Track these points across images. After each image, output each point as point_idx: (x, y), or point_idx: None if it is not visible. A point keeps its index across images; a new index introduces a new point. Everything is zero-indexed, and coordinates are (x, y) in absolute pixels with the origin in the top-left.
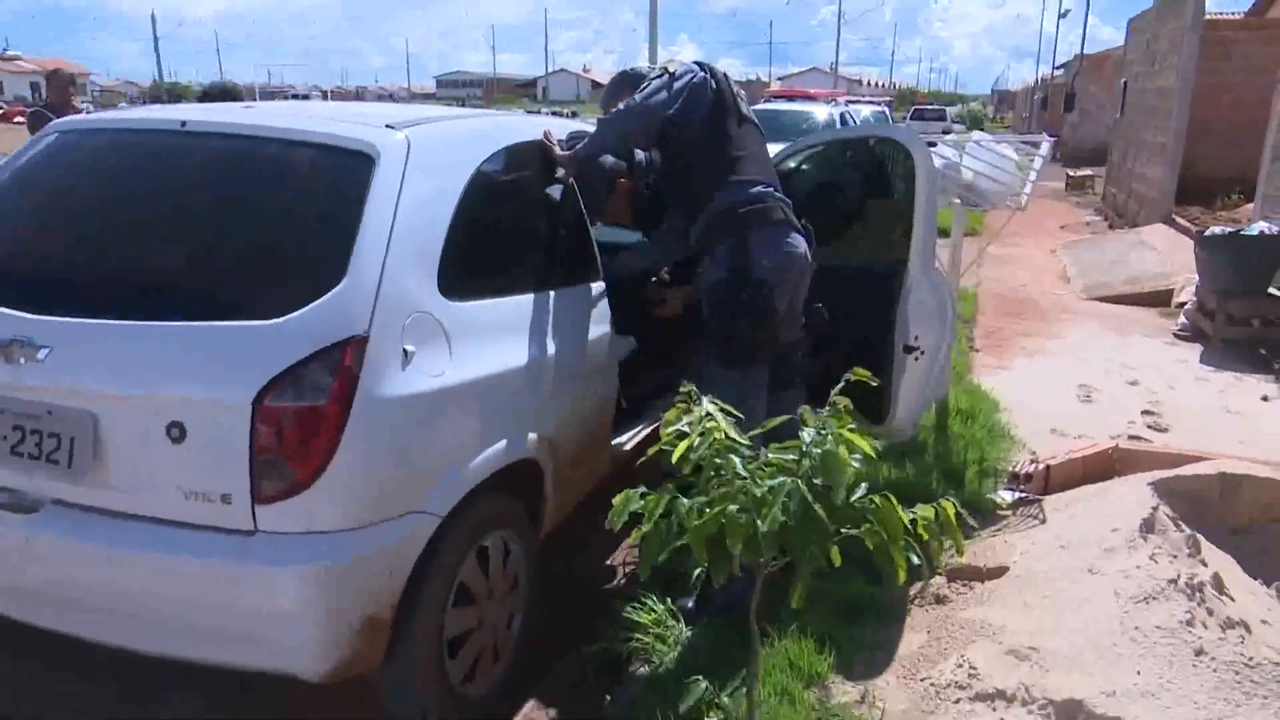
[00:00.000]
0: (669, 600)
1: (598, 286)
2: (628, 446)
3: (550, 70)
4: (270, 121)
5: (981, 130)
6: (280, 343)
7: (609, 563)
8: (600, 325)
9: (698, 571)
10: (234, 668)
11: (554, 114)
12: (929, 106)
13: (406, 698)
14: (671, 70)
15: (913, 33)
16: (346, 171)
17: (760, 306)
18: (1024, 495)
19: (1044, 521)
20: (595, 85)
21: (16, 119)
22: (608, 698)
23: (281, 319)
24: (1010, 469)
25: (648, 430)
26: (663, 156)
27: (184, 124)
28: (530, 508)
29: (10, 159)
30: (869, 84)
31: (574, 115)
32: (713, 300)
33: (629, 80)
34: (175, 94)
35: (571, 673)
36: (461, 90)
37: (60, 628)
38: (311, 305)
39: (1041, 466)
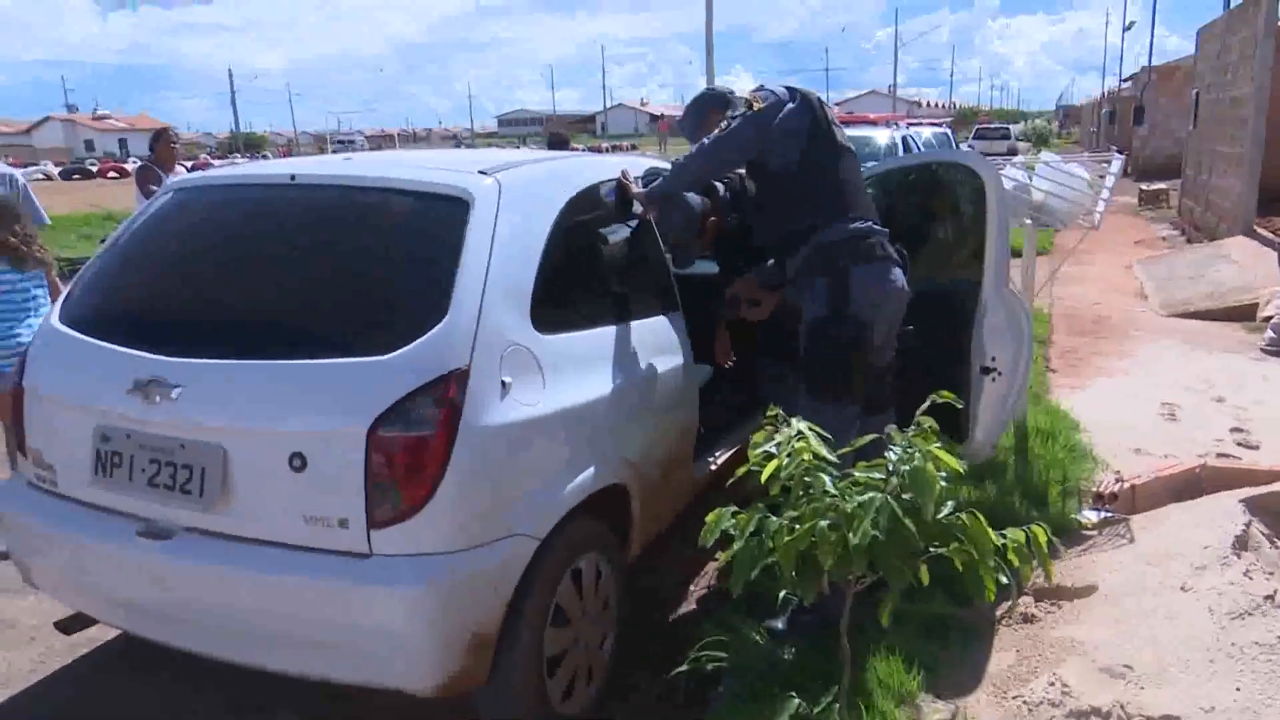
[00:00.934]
0: (756, 620)
1: (676, 317)
2: (707, 471)
3: (608, 105)
4: (372, 171)
5: (1047, 146)
6: (390, 377)
7: (691, 586)
8: (680, 354)
9: (784, 592)
10: (351, 683)
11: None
12: (992, 126)
13: (507, 715)
14: (760, 102)
15: (970, 52)
16: (444, 216)
17: (859, 344)
18: (1109, 515)
19: (1131, 540)
20: (653, 118)
21: (110, 174)
22: (698, 717)
23: (390, 355)
24: (1094, 489)
25: (726, 455)
26: (757, 187)
27: (293, 177)
28: (619, 531)
29: (134, 216)
30: (928, 105)
31: (633, 148)
32: (811, 337)
33: (713, 101)
34: (252, 144)
35: (661, 692)
36: (522, 128)
37: (189, 646)
38: (417, 341)
39: (1126, 486)
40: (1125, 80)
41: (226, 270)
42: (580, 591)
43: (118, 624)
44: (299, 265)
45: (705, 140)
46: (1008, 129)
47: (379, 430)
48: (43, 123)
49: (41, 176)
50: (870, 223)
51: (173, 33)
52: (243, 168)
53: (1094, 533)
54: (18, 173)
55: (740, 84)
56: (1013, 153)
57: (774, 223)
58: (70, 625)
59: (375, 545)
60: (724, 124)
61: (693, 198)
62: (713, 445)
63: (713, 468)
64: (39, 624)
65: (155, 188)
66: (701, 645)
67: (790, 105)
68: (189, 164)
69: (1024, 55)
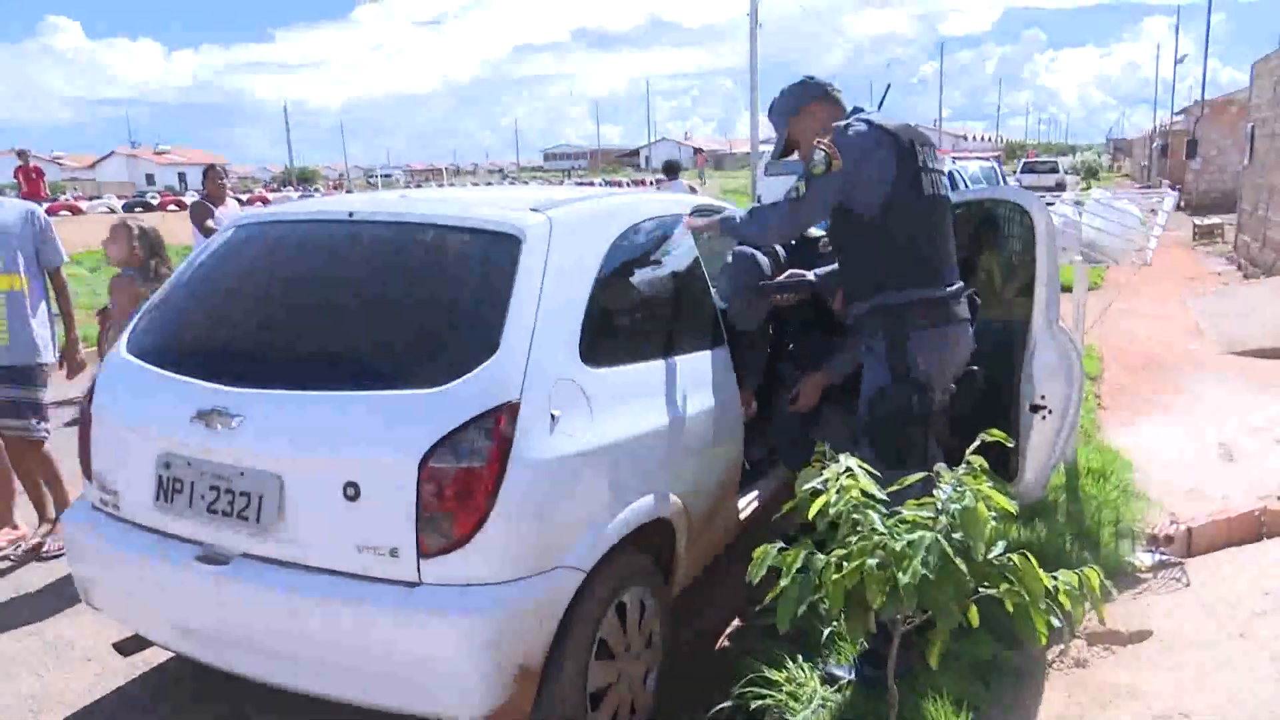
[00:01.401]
0: (802, 656)
1: (721, 352)
2: (749, 508)
3: (652, 139)
4: (427, 209)
5: (1096, 180)
6: (442, 409)
7: (735, 622)
8: (726, 389)
9: (827, 631)
10: (396, 711)
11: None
12: (1040, 159)
13: None
14: (837, 156)
15: (1018, 85)
16: (497, 252)
17: (924, 413)
18: (1164, 557)
19: (1187, 584)
20: (696, 151)
21: (170, 206)
22: None
23: (443, 388)
24: (1148, 531)
25: (767, 493)
26: (834, 223)
27: (351, 214)
28: (663, 566)
29: (198, 251)
30: (974, 138)
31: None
32: (875, 407)
33: (813, 90)
34: (304, 177)
35: None
36: (567, 162)
37: (241, 670)
38: (469, 375)
39: (1182, 528)
40: (1177, 114)
41: (286, 304)
42: (624, 626)
43: (174, 647)
44: (356, 300)
45: (784, 202)
46: (1056, 163)
47: (431, 461)
48: (107, 158)
49: (106, 210)
50: (945, 281)
51: (234, 71)
52: (303, 205)
53: (1148, 575)
54: (40, 209)
55: None
56: (1061, 187)
57: (846, 263)
58: (128, 646)
59: (425, 574)
60: (796, 188)
61: (761, 259)
62: (755, 482)
63: (754, 505)
64: (95, 645)
65: (211, 223)
66: (746, 681)
67: (876, 152)
68: (244, 197)
69: (1073, 88)
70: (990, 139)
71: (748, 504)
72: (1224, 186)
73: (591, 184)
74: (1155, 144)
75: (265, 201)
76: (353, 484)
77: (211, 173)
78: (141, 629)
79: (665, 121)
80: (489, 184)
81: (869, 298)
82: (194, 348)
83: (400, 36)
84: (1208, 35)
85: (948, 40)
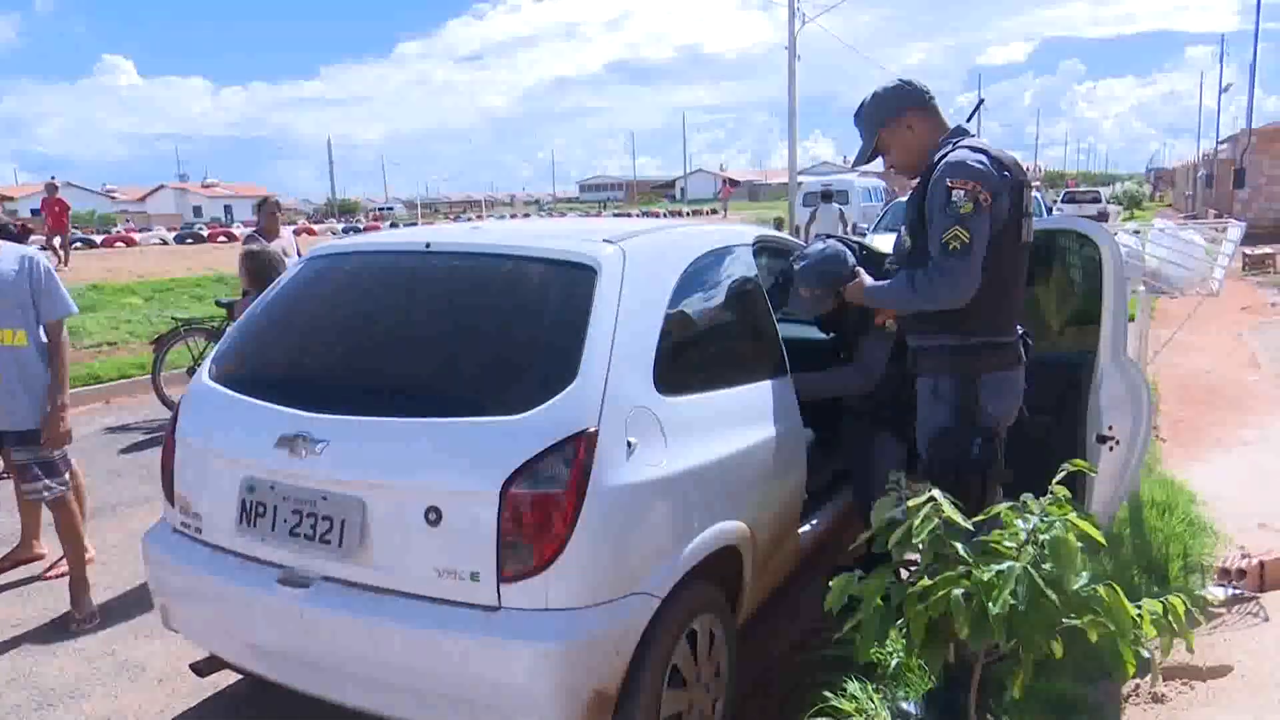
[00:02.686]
0: (871, 690)
1: (786, 382)
2: (811, 537)
3: (688, 171)
4: (503, 240)
5: (1139, 210)
6: (523, 437)
7: (802, 654)
8: (791, 418)
9: (895, 661)
10: None
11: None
12: (1080, 189)
13: None
14: (968, 202)
15: (1056, 115)
16: (572, 282)
17: (989, 459)
18: (1237, 591)
19: (1266, 619)
20: (733, 183)
21: (219, 238)
22: None
23: (522, 415)
24: (1219, 564)
25: (827, 522)
26: (914, 246)
27: (428, 245)
28: (730, 595)
29: (276, 282)
30: None
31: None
32: (938, 449)
33: (910, 98)
34: (345, 209)
35: None
36: (603, 194)
37: (320, 692)
38: (548, 403)
39: (1254, 562)
40: (1222, 143)
41: (366, 332)
42: (695, 654)
43: (252, 668)
44: (435, 328)
45: (951, 257)
46: (1098, 193)
47: (512, 487)
48: (156, 191)
49: (158, 241)
50: (1015, 333)
51: (280, 107)
52: (378, 236)
53: (1221, 610)
54: (40, 256)
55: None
56: (1103, 216)
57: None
58: (204, 668)
59: (504, 599)
60: (957, 235)
61: (850, 259)
62: (815, 512)
63: (816, 534)
64: (166, 666)
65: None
66: (815, 711)
67: (1002, 190)
68: (293, 227)
69: (1112, 119)
70: (1030, 169)
71: (809, 533)
72: (1274, 215)
73: (629, 215)
74: (1200, 173)
75: (311, 232)
76: (435, 509)
77: (266, 205)
78: (220, 650)
79: (701, 153)
80: (526, 215)
81: (937, 334)
82: (276, 375)
83: (441, 72)
84: (1254, 63)
85: (984, 70)
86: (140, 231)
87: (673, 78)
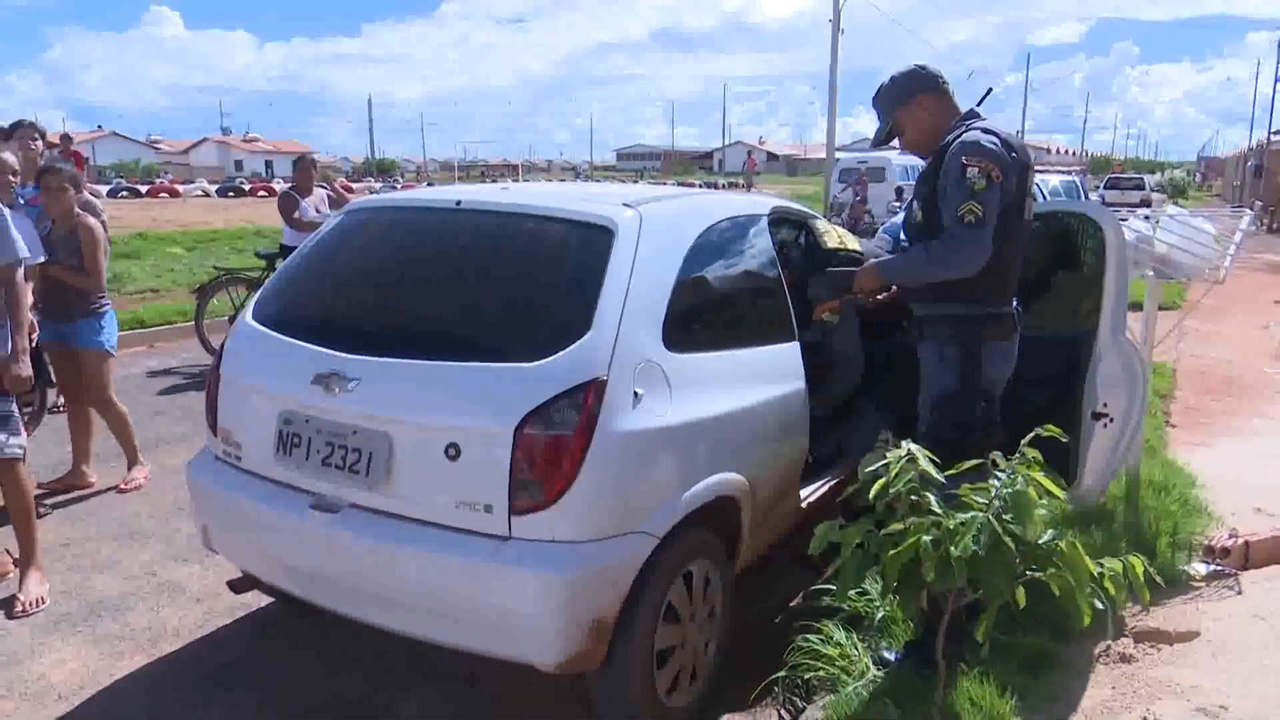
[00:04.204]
0: (855, 639)
1: (793, 347)
2: (811, 498)
3: (727, 142)
4: (529, 200)
5: (1184, 199)
6: (537, 382)
7: (791, 604)
8: (796, 381)
9: (880, 614)
10: (482, 654)
11: (731, 185)
12: (1124, 175)
13: (617, 699)
14: (980, 179)
15: (1106, 98)
16: (591, 242)
17: (989, 421)
18: (1219, 569)
19: (1240, 593)
20: (771, 156)
21: (260, 192)
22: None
23: (538, 363)
24: (1205, 542)
25: (829, 485)
26: (924, 218)
27: (459, 203)
28: (728, 544)
29: (319, 230)
30: (1058, 152)
31: (749, 186)
32: (943, 411)
33: (924, 82)
34: (384, 168)
35: (759, 696)
36: (640, 162)
37: (343, 610)
38: (562, 352)
39: (1240, 541)
40: (1275, 132)
41: (398, 281)
42: (690, 594)
43: (284, 586)
44: (462, 279)
45: (965, 228)
46: (1142, 179)
47: (525, 428)
48: (200, 144)
49: (200, 193)
50: (1013, 304)
51: (321, 63)
52: (412, 193)
53: (1201, 585)
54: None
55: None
56: (1146, 204)
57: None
58: (240, 585)
59: (514, 530)
60: (971, 209)
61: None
62: (816, 476)
63: (817, 497)
64: (203, 587)
65: (298, 214)
66: (800, 654)
67: (1010, 169)
68: (324, 186)
69: (1164, 104)
70: (1074, 153)
71: (810, 494)
72: None
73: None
74: (1250, 164)
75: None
76: (454, 445)
77: (302, 162)
78: (254, 569)
79: (740, 125)
80: (562, 180)
81: (945, 303)
82: (314, 317)
83: (483, 33)
84: None
85: (1034, 50)
86: (183, 184)
87: (714, 46)
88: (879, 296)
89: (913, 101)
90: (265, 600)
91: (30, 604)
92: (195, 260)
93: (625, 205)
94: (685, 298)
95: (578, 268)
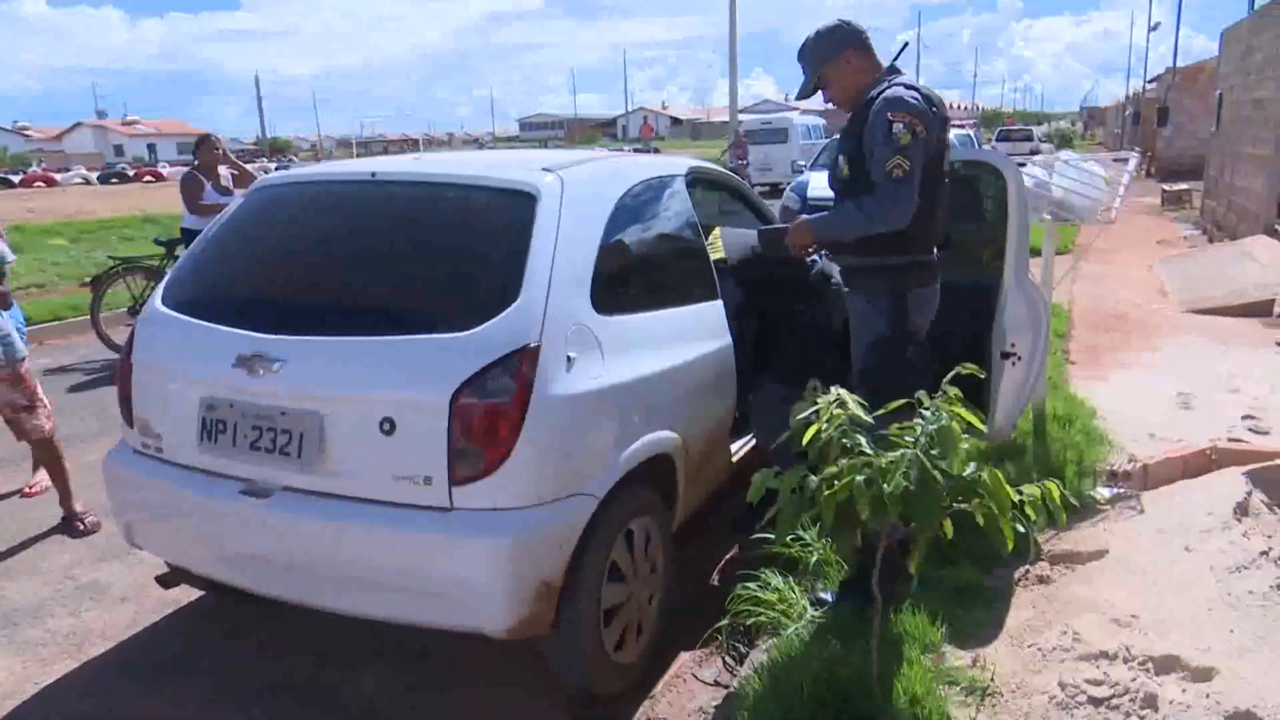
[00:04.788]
0: (792, 583)
1: (717, 304)
2: (741, 453)
3: (630, 109)
4: (446, 169)
5: (1070, 148)
6: (470, 351)
7: (728, 556)
8: (722, 338)
9: (814, 558)
10: (431, 626)
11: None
12: (1015, 128)
13: (570, 660)
14: (906, 133)
15: (994, 54)
16: (514, 208)
17: (921, 363)
18: (1122, 491)
19: (1141, 512)
20: (674, 121)
21: (146, 178)
22: (734, 664)
23: (469, 332)
24: (1109, 468)
25: (753, 443)
26: (851, 175)
27: (374, 174)
28: (665, 501)
29: (226, 210)
30: (951, 107)
31: (656, 151)
32: (877, 355)
33: (852, 39)
34: (277, 148)
35: (704, 645)
36: (544, 131)
37: (284, 595)
38: (493, 320)
39: (1139, 465)
40: (1150, 82)
41: (318, 258)
42: (632, 552)
43: (219, 576)
44: (383, 252)
45: (894, 183)
46: (1031, 131)
47: (461, 398)
48: (74, 128)
49: (81, 180)
50: (935, 251)
51: (202, 39)
52: (324, 166)
53: (1107, 507)
54: None
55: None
56: (1035, 154)
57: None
58: (169, 580)
59: (456, 500)
60: (898, 164)
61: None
62: (743, 432)
63: (745, 451)
64: (128, 587)
65: (204, 196)
66: (741, 601)
67: (934, 124)
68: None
69: (1048, 57)
70: (966, 107)
71: (739, 449)
72: (1194, 153)
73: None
74: (1128, 112)
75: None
76: (389, 419)
77: (205, 142)
78: (185, 562)
79: (642, 91)
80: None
81: (874, 255)
82: (231, 299)
83: (375, 5)
84: (1180, 4)
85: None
86: (60, 171)
87: (613, 12)
88: (810, 251)
89: (839, 57)
90: (196, 594)
91: None
92: (82, 252)
93: (545, 170)
94: (611, 260)
95: (502, 235)
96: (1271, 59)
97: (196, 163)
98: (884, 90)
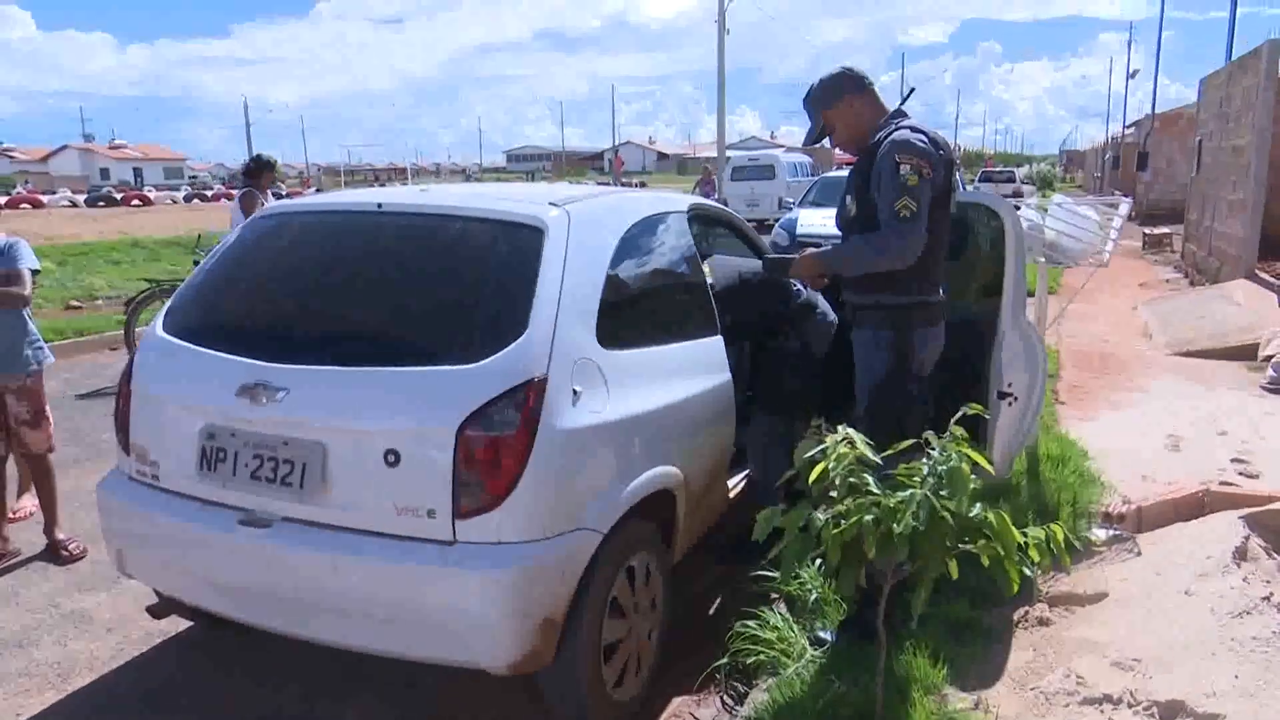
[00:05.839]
0: (792, 622)
1: (718, 339)
2: (737, 488)
3: (616, 143)
4: (453, 202)
5: (1051, 190)
6: (477, 384)
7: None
8: (722, 373)
9: (813, 596)
10: (430, 661)
11: (624, 184)
12: (997, 169)
13: (568, 696)
14: (913, 173)
15: (975, 96)
16: (521, 242)
17: (922, 400)
18: (1117, 533)
19: (1139, 554)
20: (660, 156)
21: (133, 201)
22: (733, 705)
23: (476, 364)
24: (1103, 510)
25: (748, 476)
26: (858, 211)
27: (380, 205)
28: (665, 535)
29: (228, 238)
30: None
31: (642, 184)
32: (880, 392)
33: (851, 85)
34: None
35: (702, 684)
36: (531, 164)
37: (280, 627)
38: (500, 353)
39: (1133, 507)
40: (1129, 126)
41: (324, 287)
42: (633, 586)
43: (213, 608)
44: (391, 283)
45: (901, 223)
46: (1013, 172)
47: (467, 430)
48: (59, 151)
49: (68, 203)
50: (940, 292)
51: (189, 66)
52: (328, 197)
53: (1103, 549)
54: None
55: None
56: (1018, 195)
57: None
58: (160, 610)
59: (459, 533)
60: (905, 205)
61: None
62: (741, 464)
63: (741, 486)
64: (114, 616)
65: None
66: (740, 639)
67: (939, 165)
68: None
69: (1028, 100)
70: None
71: (736, 484)
72: (1173, 197)
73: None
74: (1107, 155)
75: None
76: (393, 451)
77: (260, 161)
78: (178, 592)
79: (628, 124)
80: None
81: (878, 293)
82: (233, 327)
83: (360, 34)
84: (1159, 50)
85: (907, 49)
86: (46, 194)
87: (599, 47)
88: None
89: (840, 103)
90: (184, 625)
91: None
92: (68, 275)
93: (552, 204)
94: (616, 294)
95: (510, 268)
96: (1249, 106)
97: (256, 183)
98: (892, 133)
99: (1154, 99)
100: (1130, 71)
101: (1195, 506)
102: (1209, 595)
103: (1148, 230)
